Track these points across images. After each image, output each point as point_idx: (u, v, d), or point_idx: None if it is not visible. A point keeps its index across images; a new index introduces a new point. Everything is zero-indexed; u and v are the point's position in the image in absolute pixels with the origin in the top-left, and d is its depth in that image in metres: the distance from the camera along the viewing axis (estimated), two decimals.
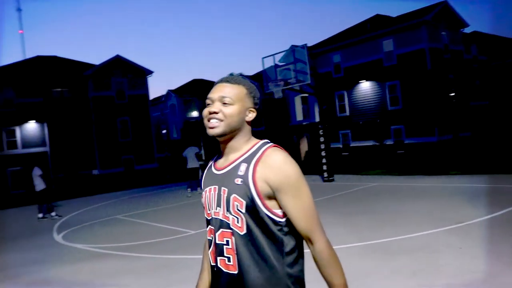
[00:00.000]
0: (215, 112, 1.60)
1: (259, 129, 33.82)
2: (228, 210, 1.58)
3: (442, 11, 23.85)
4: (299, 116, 30.69)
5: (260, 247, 1.54)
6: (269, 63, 15.81)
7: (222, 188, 1.61)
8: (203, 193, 1.73)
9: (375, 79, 24.82)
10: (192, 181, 15.17)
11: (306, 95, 26.32)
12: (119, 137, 28.07)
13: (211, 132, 1.61)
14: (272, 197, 1.55)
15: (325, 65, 27.32)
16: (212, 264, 1.66)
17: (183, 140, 36.86)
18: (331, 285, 1.55)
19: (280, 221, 1.56)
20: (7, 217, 16.22)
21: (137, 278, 5.97)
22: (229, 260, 1.58)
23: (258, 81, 31.37)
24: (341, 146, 26.72)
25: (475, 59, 28.16)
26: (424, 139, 22.48)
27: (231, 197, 1.57)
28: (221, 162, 1.69)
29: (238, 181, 1.56)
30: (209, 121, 1.61)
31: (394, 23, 24.23)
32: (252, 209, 1.54)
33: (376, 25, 25.77)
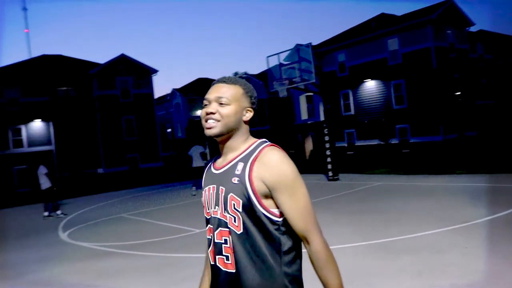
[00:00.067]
0: (212, 113, 1.61)
1: (264, 128, 33.83)
2: (225, 209, 1.59)
3: (448, 10, 23.74)
4: (304, 115, 30.66)
5: (257, 246, 1.54)
6: (274, 62, 15.83)
7: (220, 187, 1.62)
8: (203, 192, 1.74)
9: (380, 78, 24.75)
10: (197, 179, 15.18)
11: (311, 94, 26.30)
12: (124, 136, 28.13)
13: (208, 132, 1.62)
14: (269, 196, 1.55)
15: (330, 64, 27.28)
16: (212, 263, 1.67)
17: (188, 139, 36.92)
18: (326, 286, 1.54)
19: (277, 221, 1.56)
20: (13, 216, 16.30)
21: (142, 276, 5.99)
22: (227, 259, 1.59)
23: (263, 80, 31.42)
24: (346, 145, 26.68)
25: (481, 57, 28.04)
26: (430, 138, 22.41)
27: (229, 196, 1.58)
28: (219, 162, 1.71)
29: (235, 180, 1.57)
30: (206, 121, 1.62)
31: (399, 22, 24.14)
32: (249, 208, 1.54)
33: (381, 24, 25.70)
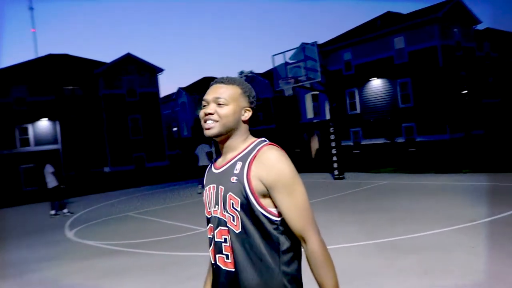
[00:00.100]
0: (210, 113, 1.62)
1: (269, 127, 33.81)
2: (225, 208, 1.60)
3: (454, 8, 23.62)
4: (310, 114, 30.61)
5: (255, 245, 1.55)
6: (279, 60, 15.81)
7: (220, 186, 1.63)
8: (204, 191, 1.75)
9: (386, 76, 24.68)
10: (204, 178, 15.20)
11: (317, 92, 26.24)
12: (130, 135, 28.21)
13: (207, 133, 1.63)
14: (267, 195, 1.55)
15: (335, 62, 27.23)
16: (212, 262, 1.68)
17: (193, 138, 37.00)
18: (321, 287, 1.53)
19: (275, 220, 1.56)
20: (20, 214, 16.40)
21: (148, 275, 6.01)
22: (227, 258, 1.60)
23: (269, 79, 31.39)
24: (352, 144, 26.63)
25: (487, 56, 27.87)
26: (436, 137, 22.32)
27: (227, 195, 1.58)
28: (219, 161, 1.72)
29: (234, 179, 1.58)
30: (205, 122, 1.64)
31: (405, 20, 24.05)
32: (247, 207, 1.55)
33: (387, 22, 25.61)
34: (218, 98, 1.62)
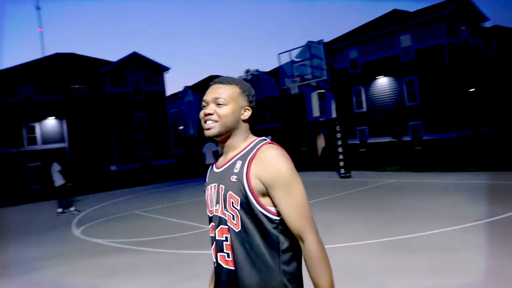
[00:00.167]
0: (210, 114, 1.63)
1: (275, 125, 33.79)
2: (225, 207, 1.61)
3: (461, 5, 23.46)
4: (316, 112, 30.57)
5: (255, 244, 1.55)
6: (285, 59, 15.79)
7: (220, 185, 1.64)
8: (206, 191, 1.76)
9: (393, 74, 24.57)
10: None
11: (323, 91, 26.17)
12: (136, 133, 28.28)
13: (207, 133, 1.65)
14: (266, 194, 1.55)
15: (341, 61, 27.15)
16: (214, 260, 1.69)
17: (200, 136, 37.04)
18: (316, 287, 1.52)
19: (275, 219, 1.56)
20: (27, 212, 16.50)
21: (154, 273, 6.03)
22: (228, 256, 1.61)
23: (275, 77, 31.36)
24: (358, 142, 26.55)
25: (495, 53, 27.68)
26: (443, 135, 22.21)
27: (228, 194, 1.59)
28: (220, 161, 1.73)
29: (234, 178, 1.59)
30: (205, 122, 1.65)
31: (412, 18, 23.92)
32: (246, 206, 1.55)
33: (393, 20, 25.49)
34: (217, 98, 1.64)
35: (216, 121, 1.62)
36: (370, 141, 25.95)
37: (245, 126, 1.68)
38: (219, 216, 1.64)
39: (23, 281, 6.36)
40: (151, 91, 29.17)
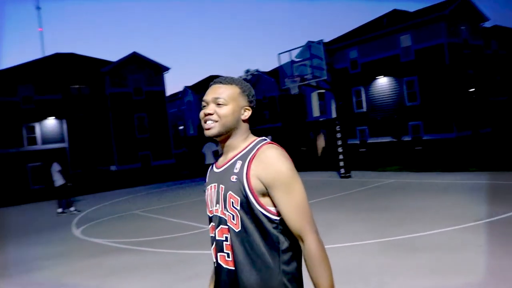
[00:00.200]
0: (210, 114, 1.64)
1: (275, 125, 33.79)
2: (225, 207, 1.61)
3: (461, 5, 23.46)
4: (316, 112, 30.57)
5: (255, 244, 1.55)
6: (285, 59, 15.79)
7: (220, 185, 1.64)
8: (206, 191, 1.77)
9: (393, 74, 24.58)
10: None
11: (323, 91, 26.18)
12: (136, 133, 28.29)
13: (207, 133, 1.65)
14: (266, 194, 1.55)
15: (341, 61, 27.15)
16: (214, 260, 1.69)
17: (200, 137, 37.04)
18: (316, 287, 1.52)
19: (275, 219, 1.56)
20: (27, 212, 16.51)
21: (154, 273, 6.03)
22: (228, 256, 1.61)
23: (275, 77, 31.36)
24: (358, 142, 26.56)
25: (495, 53, 27.67)
26: (443, 135, 22.21)
27: (228, 194, 1.60)
28: (221, 161, 1.73)
29: (233, 178, 1.59)
30: (205, 122, 1.65)
31: (412, 18, 23.93)
32: (246, 206, 1.55)
33: (393, 20, 25.49)
34: (217, 98, 1.64)
35: (216, 121, 1.62)
36: (370, 141, 25.96)
37: (245, 126, 1.68)
38: (219, 216, 1.64)
39: (23, 281, 6.36)
40: (151, 91, 29.17)
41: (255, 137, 1.69)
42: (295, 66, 15.55)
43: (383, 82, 25.22)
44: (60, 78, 26.36)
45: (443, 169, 14.88)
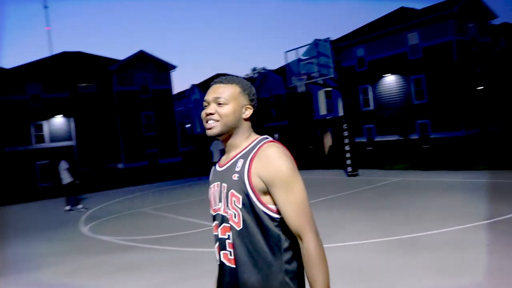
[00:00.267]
0: (211, 113, 1.65)
1: (282, 123, 33.76)
2: (227, 205, 1.62)
3: (470, 2, 23.28)
4: (323, 111, 30.50)
5: (257, 242, 1.56)
6: (292, 57, 15.76)
7: (223, 184, 1.66)
8: (209, 189, 1.78)
9: (400, 72, 24.45)
10: None
11: (330, 89, 26.12)
12: (143, 131, 28.37)
13: (209, 132, 1.67)
14: (267, 192, 1.56)
15: (348, 59, 27.06)
16: (217, 258, 1.70)
17: (206, 135, 37.05)
18: (312, 286, 1.52)
19: (276, 217, 1.57)
20: (36, 209, 16.62)
21: (162, 270, 6.05)
22: (231, 254, 1.62)
23: (282, 75, 31.31)
24: (365, 140, 26.46)
25: (503, 51, 27.45)
26: (451, 133, 22.09)
27: (229, 193, 1.61)
28: (223, 159, 1.75)
29: (235, 176, 1.60)
30: (207, 122, 1.66)
31: (419, 15, 23.79)
32: (248, 204, 1.56)
33: (401, 18, 25.37)
34: (218, 98, 1.65)
35: (218, 121, 1.64)
36: (377, 139, 25.86)
37: (247, 124, 1.69)
38: (221, 215, 1.66)
39: (31, 278, 6.41)
40: (158, 89, 29.23)
41: (257, 136, 1.69)
42: (302, 64, 15.52)
43: (390, 80, 25.11)
44: (67, 76, 26.49)
45: (451, 167, 14.81)
